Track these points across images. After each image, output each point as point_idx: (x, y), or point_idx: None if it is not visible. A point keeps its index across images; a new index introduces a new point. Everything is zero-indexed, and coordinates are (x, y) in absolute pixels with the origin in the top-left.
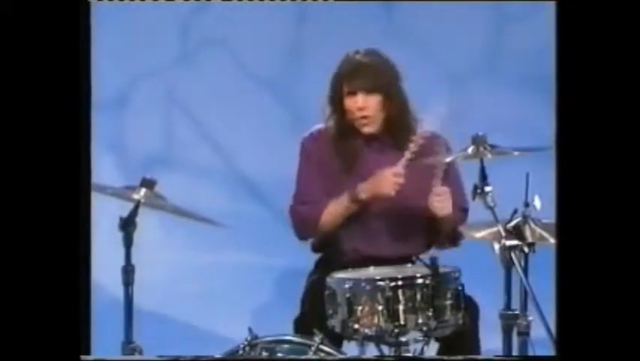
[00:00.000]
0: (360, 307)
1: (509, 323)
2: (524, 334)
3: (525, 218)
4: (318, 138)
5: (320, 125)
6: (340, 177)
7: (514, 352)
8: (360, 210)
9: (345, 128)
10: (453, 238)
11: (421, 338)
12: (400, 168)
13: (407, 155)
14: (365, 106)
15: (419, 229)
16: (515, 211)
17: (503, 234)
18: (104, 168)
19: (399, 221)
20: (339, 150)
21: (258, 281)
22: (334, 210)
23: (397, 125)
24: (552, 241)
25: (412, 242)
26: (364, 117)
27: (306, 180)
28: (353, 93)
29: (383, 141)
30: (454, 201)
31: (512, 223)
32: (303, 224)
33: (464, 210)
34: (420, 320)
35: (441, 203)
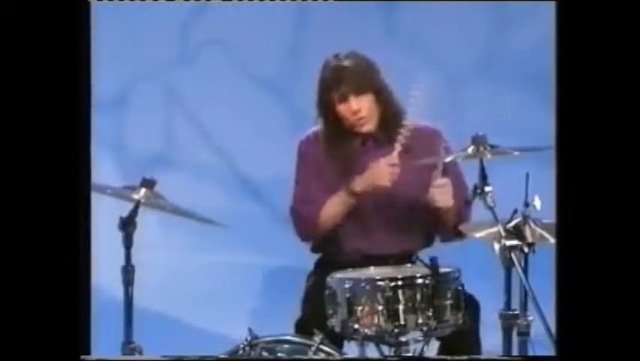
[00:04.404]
0: (360, 307)
1: (509, 323)
2: (524, 334)
3: (525, 218)
4: (315, 140)
5: (317, 127)
6: (338, 177)
7: (514, 352)
8: (360, 206)
9: (339, 132)
10: (458, 231)
11: (421, 338)
12: (394, 157)
13: (398, 146)
14: (359, 108)
15: (420, 223)
16: (515, 211)
17: (503, 234)
18: (104, 168)
19: (399, 217)
20: (335, 153)
21: (258, 281)
22: (332, 206)
23: (390, 121)
24: (552, 241)
25: (413, 238)
26: (360, 118)
27: (305, 182)
28: (344, 99)
29: (378, 138)
30: (457, 194)
31: (512, 223)
32: (304, 224)
33: (467, 203)
34: (420, 320)
35: (442, 195)
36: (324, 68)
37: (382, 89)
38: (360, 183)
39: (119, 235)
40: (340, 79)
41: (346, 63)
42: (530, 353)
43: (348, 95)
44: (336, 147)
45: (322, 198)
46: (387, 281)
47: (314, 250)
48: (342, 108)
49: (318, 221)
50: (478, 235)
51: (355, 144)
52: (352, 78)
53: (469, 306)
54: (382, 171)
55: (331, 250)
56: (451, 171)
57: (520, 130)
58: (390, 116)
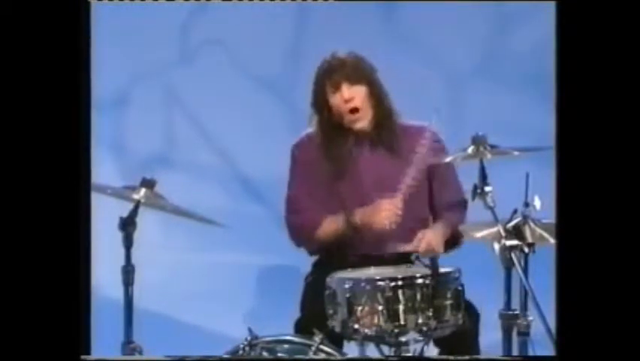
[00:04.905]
0: (360, 307)
1: (509, 323)
2: (524, 334)
3: (525, 218)
4: (308, 143)
5: (309, 130)
6: (332, 181)
7: (514, 352)
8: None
9: (333, 129)
10: (453, 241)
11: (421, 338)
12: (398, 201)
13: (407, 181)
14: (351, 97)
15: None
16: (515, 211)
17: (503, 234)
18: (104, 168)
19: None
20: (329, 154)
21: (258, 281)
22: (329, 228)
23: (384, 121)
24: (552, 241)
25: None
26: (354, 110)
27: (296, 188)
28: (337, 87)
29: (372, 139)
30: (454, 200)
31: (512, 223)
32: (296, 233)
33: (464, 204)
34: (420, 320)
35: (432, 248)
36: (321, 64)
37: (376, 84)
38: (359, 218)
39: (119, 235)
40: (334, 68)
41: (342, 56)
42: (530, 353)
43: (340, 83)
44: (330, 145)
45: (312, 206)
46: (387, 281)
47: (311, 253)
48: (334, 98)
49: (312, 232)
50: (478, 235)
51: (349, 142)
52: (345, 67)
53: (469, 314)
54: (384, 212)
55: (329, 254)
56: (445, 174)
57: (520, 130)
58: (383, 116)
